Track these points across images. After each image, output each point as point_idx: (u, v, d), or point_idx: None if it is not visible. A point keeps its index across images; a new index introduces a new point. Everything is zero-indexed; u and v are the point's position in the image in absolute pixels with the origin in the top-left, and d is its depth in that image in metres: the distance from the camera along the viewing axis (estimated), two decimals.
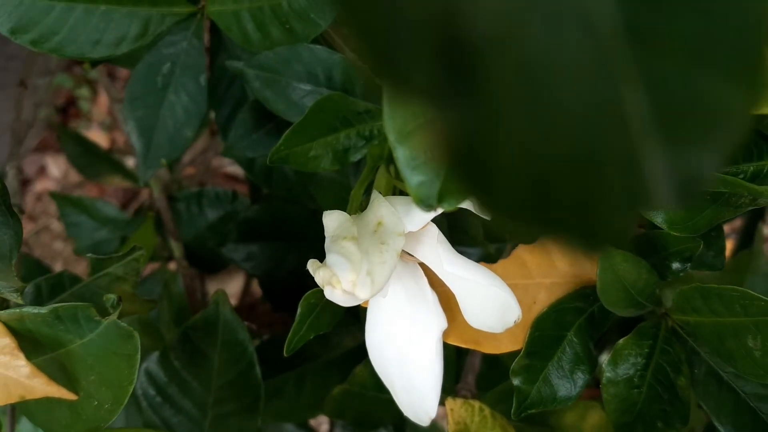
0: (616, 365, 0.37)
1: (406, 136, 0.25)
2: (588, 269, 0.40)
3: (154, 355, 0.41)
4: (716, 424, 0.38)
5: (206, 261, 0.56)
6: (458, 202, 0.25)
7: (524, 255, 0.39)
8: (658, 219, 0.32)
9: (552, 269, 0.40)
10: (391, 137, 0.25)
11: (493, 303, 0.32)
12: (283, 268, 0.52)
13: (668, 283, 0.39)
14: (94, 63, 0.45)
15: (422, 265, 0.35)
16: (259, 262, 0.52)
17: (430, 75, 0.10)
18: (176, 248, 0.52)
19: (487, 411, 0.38)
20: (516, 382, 0.37)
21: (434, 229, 0.32)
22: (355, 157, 0.38)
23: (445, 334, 0.36)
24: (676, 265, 0.38)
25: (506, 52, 0.10)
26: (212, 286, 0.70)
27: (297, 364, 0.49)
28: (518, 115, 0.10)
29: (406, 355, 0.34)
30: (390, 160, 0.37)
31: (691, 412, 0.37)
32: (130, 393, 0.30)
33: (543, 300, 0.39)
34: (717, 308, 0.35)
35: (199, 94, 0.42)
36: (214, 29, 0.43)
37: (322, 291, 0.37)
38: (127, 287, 0.36)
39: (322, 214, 0.50)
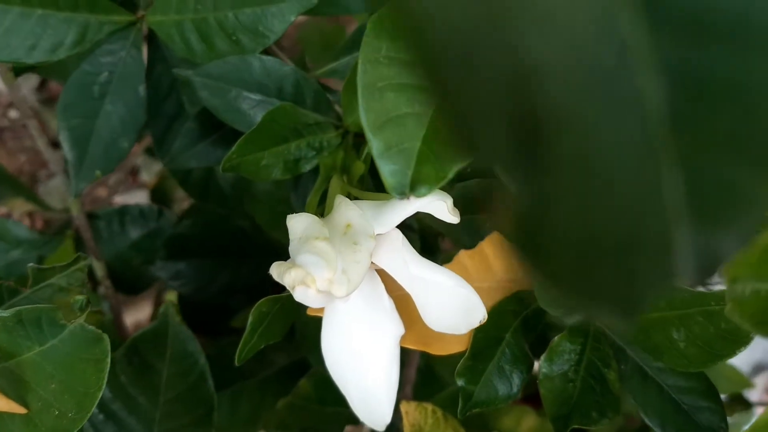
0: (552, 361, 0.40)
1: (379, 128, 0.27)
2: (522, 275, 0.43)
3: None
4: (643, 415, 0.41)
5: (127, 282, 0.54)
6: (429, 190, 0.26)
7: (465, 260, 0.41)
8: None
9: (490, 274, 0.42)
10: (367, 129, 0.27)
11: (459, 304, 0.33)
12: (212, 286, 0.51)
13: None
14: (20, 70, 0.43)
15: (379, 272, 0.35)
16: (188, 280, 0.51)
17: (504, 145, 0.11)
18: (99, 268, 0.50)
19: (439, 413, 0.39)
20: (461, 382, 0.39)
21: (398, 234, 0.33)
22: (306, 167, 0.39)
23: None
24: None
25: (570, 128, 0.11)
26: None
27: (232, 382, 0.48)
28: (574, 186, 0.11)
29: (362, 361, 0.34)
30: (343, 169, 0.38)
31: (626, 400, 0.40)
32: (98, 399, 0.28)
33: (483, 303, 0.41)
34: None
35: (137, 105, 0.41)
36: (152, 40, 0.43)
37: (272, 300, 0.37)
38: (71, 299, 0.34)
39: (252, 232, 0.50)
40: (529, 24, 0.10)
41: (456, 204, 0.47)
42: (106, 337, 0.29)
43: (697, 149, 0.11)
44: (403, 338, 0.38)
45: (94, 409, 0.30)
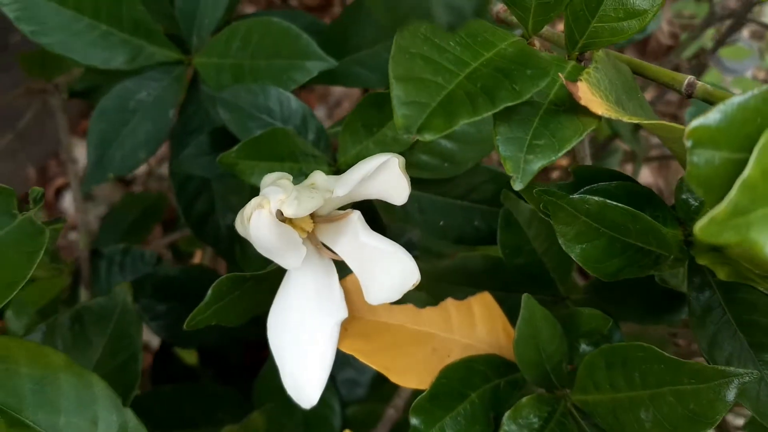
0: (515, 420, 0.37)
1: (403, 80, 0.29)
2: (502, 342, 0.42)
3: (41, 330, 0.38)
4: None
5: None
6: (433, 136, 0.28)
7: (451, 309, 0.41)
8: (575, 252, 0.34)
9: (472, 332, 0.41)
10: (392, 77, 0.29)
11: (397, 267, 0.34)
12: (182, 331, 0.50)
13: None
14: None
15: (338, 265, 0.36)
16: (165, 322, 0.50)
17: None
18: (83, 295, 0.50)
19: None
20: (415, 421, 0.37)
21: (357, 213, 0.34)
22: None
23: (361, 352, 0.37)
24: (583, 348, 0.40)
25: None
26: None
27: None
28: None
29: (302, 339, 0.35)
30: None
31: None
32: (18, 288, 0.28)
33: (456, 356, 0.40)
34: (617, 382, 0.36)
35: (164, 124, 0.45)
36: (194, 80, 0.48)
37: (234, 280, 0.37)
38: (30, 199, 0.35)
39: None
40: None
41: (457, 274, 0.48)
42: (47, 231, 0.29)
43: None
44: (366, 359, 0.37)
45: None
